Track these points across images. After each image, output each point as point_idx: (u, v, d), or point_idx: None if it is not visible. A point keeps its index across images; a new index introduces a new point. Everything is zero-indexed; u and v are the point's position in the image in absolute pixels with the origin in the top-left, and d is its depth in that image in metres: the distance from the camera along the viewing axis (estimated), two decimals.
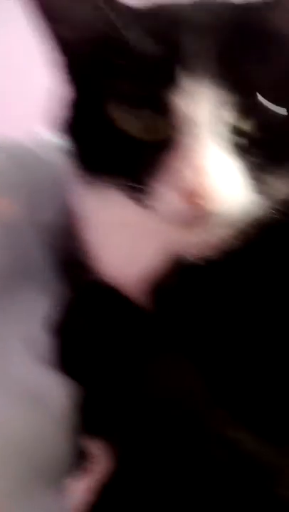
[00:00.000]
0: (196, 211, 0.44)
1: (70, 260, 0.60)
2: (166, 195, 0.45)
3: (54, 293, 0.60)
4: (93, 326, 0.53)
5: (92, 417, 0.48)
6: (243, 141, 0.45)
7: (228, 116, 0.44)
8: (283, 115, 0.44)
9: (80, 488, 0.43)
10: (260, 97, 0.44)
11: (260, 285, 0.46)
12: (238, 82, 0.43)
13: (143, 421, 0.40)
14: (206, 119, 0.43)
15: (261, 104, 0.44)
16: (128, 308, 0.51)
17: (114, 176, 0.49)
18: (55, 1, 0.48)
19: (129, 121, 0.46)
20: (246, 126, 0.44)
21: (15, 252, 0.64)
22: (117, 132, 0.47)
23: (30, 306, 0.60)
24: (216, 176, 0.43)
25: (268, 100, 0.44)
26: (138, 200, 0.48)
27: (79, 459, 0.46)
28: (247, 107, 0.44)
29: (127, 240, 0.53)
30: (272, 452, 0.39)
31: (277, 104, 0.44)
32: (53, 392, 0.51)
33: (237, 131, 0.44)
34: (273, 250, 0.47)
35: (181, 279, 0.48)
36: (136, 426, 0.41)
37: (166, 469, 0.37)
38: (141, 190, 0.47)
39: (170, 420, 0.39)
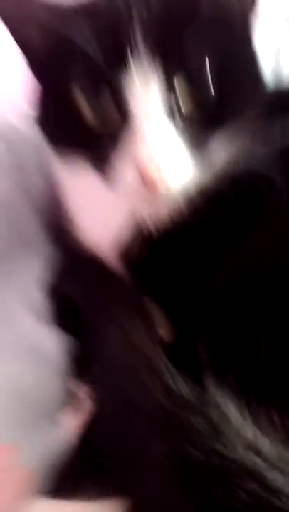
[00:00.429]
0: (149, 185, 0.50)
1: (58, 227, 0.67)
2: (123, 172, 0.51)
3: (47, 257, 0.68)
4: (77, 288, 0.61)
5: (80, 367, 0.57)
6: (185, 120, 0.49)
7: (170, 100, 0.48)
8: (213, 95, 0.49)
9: (71, 424, 0.53)
10: (195, 82, 0.48)
11: (209, 250, 0.53)
12: (177, 69, 0.48)
13: (110, 374, 0.49)
14: (152, 104, 0.48)
15: (197, 87, 0.48)
16: (103, 273, 0.59)
17: (79, 151, 0.54)
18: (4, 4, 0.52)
19: (88, 112, 0.51)
20: (186, 107, 0.49)
21: (10, 223, 0.71)
22: (82, 121, 0.52)
23: (28, 269, 0.68)
24: (163, 153, 0.49)
25: (201, 83, 0.48)
26: (101, 174, 0.54)
27: (71, 401, 0.56)
28: (185, 91, 0.48)
29: (98, 210, 0.59)
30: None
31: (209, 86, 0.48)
32: (50, 345, 0.61)
33: (179, 113, 0.49)
34: (218, 214, 0.53)
35: (142, 245, 0.55)
36: (108, 379, 0.50)
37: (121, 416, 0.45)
38: (102, 166, 0.53)
39: (123, 377, 0.47)
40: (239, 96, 0.54)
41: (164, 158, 0.49)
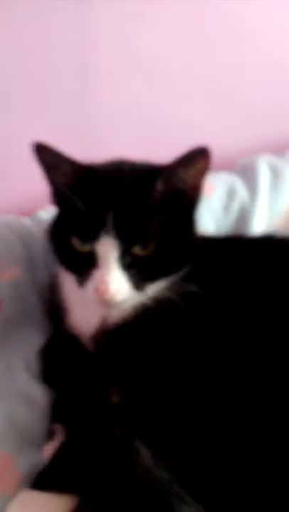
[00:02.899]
0: (103, 298, 0.79)
1: (53, 309, 0.96)
2: (89, 288, 0.81)
3: (43, 330, 0.97)
4: (60, 357, 0.89)
5: (57, 411, 0.84)
6: (129, 264, 0.80)
7: (121, 251, 0.79)
8: (150, 252, 0.80)
9: (50, 449, 0.78)
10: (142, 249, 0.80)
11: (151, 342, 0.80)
12: (126, 237, 0.78)
13: (73, 418, 0.77)
14: (111, 253, 0.79)
15: (137, 249, 0.80)
16: (80, 351, 0.87)
17: (70, 271, 0.85)
18: (46, 159, 0.84)
19: (79, 246, 0.82)
20: (128, 258, 0.80)
21: (20, 302, 1.00)
22: (73, 249, 0.82)
23: (28, 337, 0.97)
24: (114, 286, 0.79)
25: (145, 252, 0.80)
26: (79, 282, 0.83)
27: (50, 434, 0.81)
28: (130, 249, 0.79)
29: (82, 306, 0.88)
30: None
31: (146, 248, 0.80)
32: (38, 394, 0.87)
33: (125, 259, 0.79)
34: (152, 319, 0.82)
35: (104, 335, 0.84)
36: (71, 421, 0.77)
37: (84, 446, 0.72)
38: (80, 277, 0.82)
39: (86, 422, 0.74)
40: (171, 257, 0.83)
41: (114, 288, 0.79)
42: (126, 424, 0.72)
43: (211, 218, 1.17)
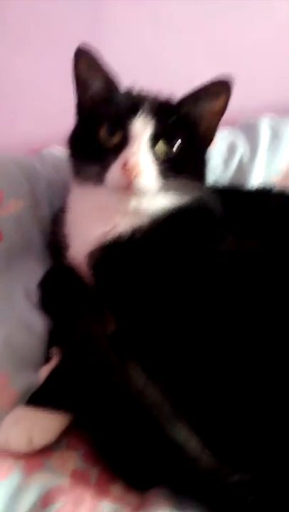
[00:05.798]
0: (129, 179, 0.82)
1: (54, 243, 0.99)
2: (114, 169, 0.83)
3: (43, 262, 1.01)
4: (59, 287, 0.93)
5: (54, 336, 0.88)
6: (158, 157, 0.84)
7: (152, 134, 0.84)
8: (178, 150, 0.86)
9: (45, 371, 0.82)
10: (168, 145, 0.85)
11: (166, 259, 0.82)
12: (160, 135, 0.85)
13: (69, 341, 0.80)
14: (145, 131, 0.83)
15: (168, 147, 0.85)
16: (78, 281, 0.91)
17: (92, 165, 0.86)
18: (81, 72, 0.88)
19: (107, 137, 0.85)
20: (162, 148, 0.84)
21: (22, 234, 1.03)
22: (99, 142, 0.86)
23: (28, 268, 1.01)
24: (143, 164, 0.82)
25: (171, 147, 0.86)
26: (99, 178, 0.85)
27: (46, 358, 0.85)
28: (162, 146, 0.85)
29: (82, 227, 0.91)
30: None
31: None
32: (35, 320, 0.91)
33: (157, 149, 0.84)
34: (173, 232, 0.85)
35: (106, 257, 0.86)
36: (67, 344, 0.80)
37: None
38: (102, 170, 0.84)
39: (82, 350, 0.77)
40: (190, 167, 0.89)
41: (142, 166, 0.82)
42: (120, 349, 0.75)
43: (210, 170, 1.19)
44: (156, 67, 1.34)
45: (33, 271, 0.98)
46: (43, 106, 1.16)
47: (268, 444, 0.66)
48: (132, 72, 1.28)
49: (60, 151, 1.13)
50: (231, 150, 1.25)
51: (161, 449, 0.66)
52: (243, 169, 1.24)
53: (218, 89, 0.87)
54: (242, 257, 0.78)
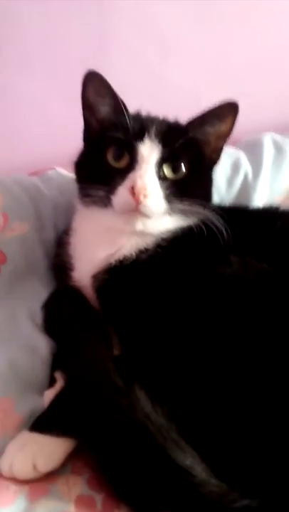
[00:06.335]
0: (136, 202, 0.82)
1: (59, 264, 0.99)
2: (121, 192, 0.84)
3: (48, 285, 1.01)
4: (63, 309, 0.93)
5: (59, 359, 0.88)
6: (163, 179, 0.85)
7: (159, 158, 0.85)
8: (184, 173, 0.87)
9: (50, 395, 0.82)
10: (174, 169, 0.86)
11: (171, 282, 0.82)
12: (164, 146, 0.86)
13: (74, 365, 0.79)
14: (152, 155, 0.84)
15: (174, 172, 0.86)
16: (83, 303, 0.91)
17: (98, 187, 0.87)
18: (90, 96, 0.90)
19: (114, 160, 0.86)
20: (169, 171, 0.85)
21: (26, 257, 1.04)
22: (106, 165, 0.87)
23: (33, 291, 1.01)
24: (150, 187, 0.83)
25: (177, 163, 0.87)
26: (105, 201, 0.86)
27: (51, 381, 0.85)
28: (165, 163, 0.86)
29: (87, 249, 0.91)
30: None
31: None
32: (40, 343, 0.90)
33: (160, 170, 0.85)
34: (178, 255, 0.86)
35: (111, 279, 0.87)
36: (72, 368, 0.80)
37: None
38: (109, 193, 0.85)
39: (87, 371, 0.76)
40: (197, 189, 0.89)
41: (149, 189, 0.82)
42: (126, 373, 0.74)
43: (214, 189, 1.20)
44: (161, 86, 1.36)
45: (38, 293, 0.98)
46: (47, 127, 1.17)
47: (276, 468, 0.66)
48: (138, 91, 1.30)
49: (64, 172, 1.14)
50: (235, 168, 1.25)
51: (168, 474, 0.65)
52: (246, 188, 1.24)
53: (225, 112, 0.88)
54: (247, 282, 0.78)
